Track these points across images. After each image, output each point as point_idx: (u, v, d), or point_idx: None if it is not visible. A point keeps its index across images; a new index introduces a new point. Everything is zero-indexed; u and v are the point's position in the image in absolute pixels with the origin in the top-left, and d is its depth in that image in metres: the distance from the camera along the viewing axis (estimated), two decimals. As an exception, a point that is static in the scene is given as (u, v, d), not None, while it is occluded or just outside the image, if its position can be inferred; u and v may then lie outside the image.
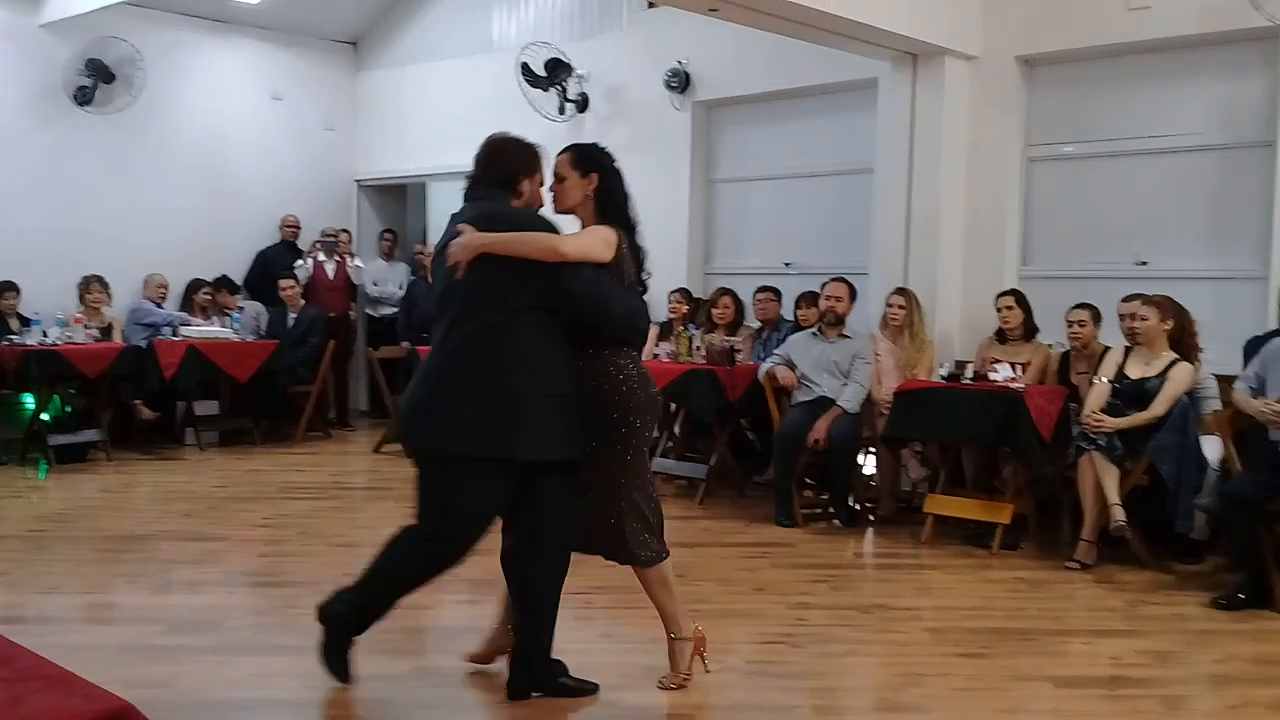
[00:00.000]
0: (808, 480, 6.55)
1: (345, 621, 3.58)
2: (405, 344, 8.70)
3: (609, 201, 3.56)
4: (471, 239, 3.28)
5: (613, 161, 3.63)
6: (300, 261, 9.46)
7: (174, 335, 8.34)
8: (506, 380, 3.30)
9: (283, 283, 9.05)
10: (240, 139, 9.83)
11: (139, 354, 8.05)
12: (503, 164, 3.54)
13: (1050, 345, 6.09)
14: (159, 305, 8.79)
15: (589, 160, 3.61)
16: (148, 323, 8.56)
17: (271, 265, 9.49)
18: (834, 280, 6.39)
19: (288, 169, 10.10)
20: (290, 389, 8.85)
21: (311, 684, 3.62)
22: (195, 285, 9.08)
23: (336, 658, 3.55)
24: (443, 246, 3.39)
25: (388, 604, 3.60)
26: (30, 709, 2.07)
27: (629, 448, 3.49)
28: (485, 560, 5.20)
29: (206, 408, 8.76)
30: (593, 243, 3.40)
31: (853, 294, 6.33)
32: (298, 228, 9.83)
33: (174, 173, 9.38)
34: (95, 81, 8.72)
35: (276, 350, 8.54)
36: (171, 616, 4.33)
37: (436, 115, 9.89)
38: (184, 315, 8.83)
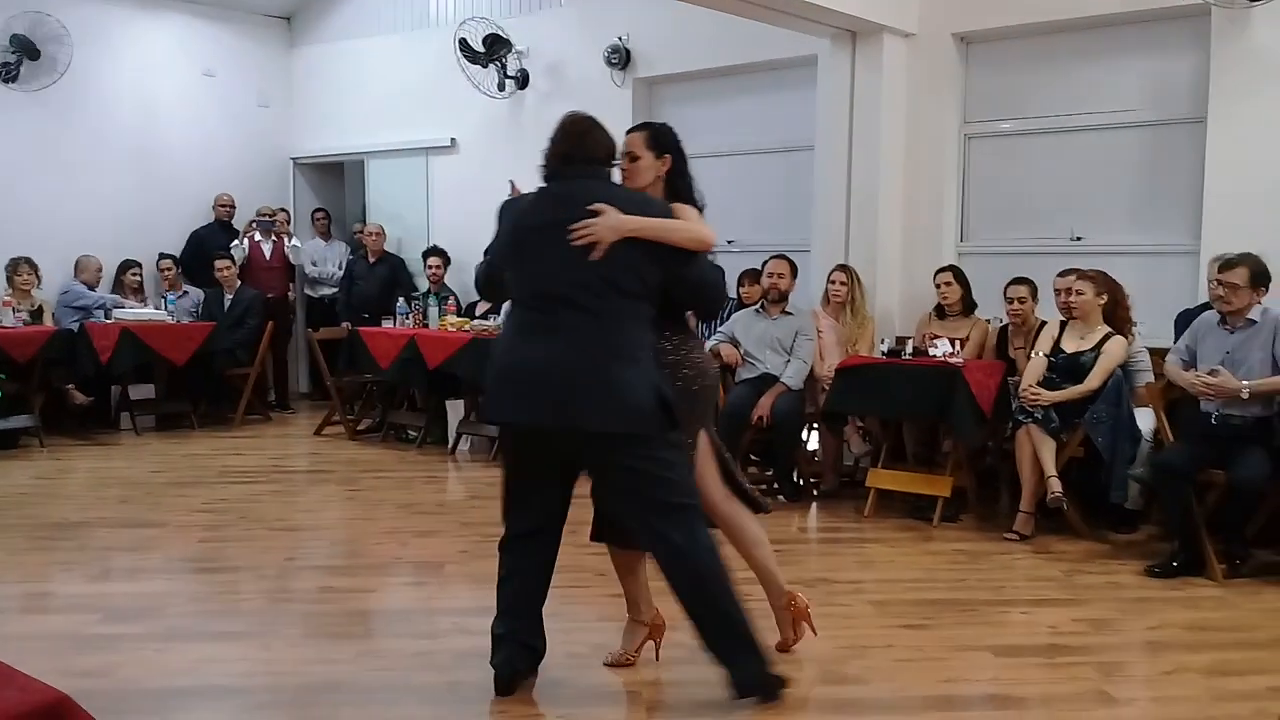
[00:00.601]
0: (752, 456, 6.59)
1: (756, 665, 3.27)
2: (346, 325, 8.60)
3: (681, 183, 3.52)
4: (620, 221, 3.18)
5: (680, 142, 3.58)
6: (236, 242, 9.29)
7: (107, 318, 8.15)
8: (649, 365, 3.24)
9: (219, 263, 8.88)
10: (171, 117, 9.60)
11: (71, 338, 7.87)
12: (600, 142, 3.42)
13: (988, 320, 6.18)
14: (92, 288, 8.59)
15: (663, 141, 3.53)
16: (79, 305, 8.35)
17: (206, 246, 9.30)
18: (775, 258, 6.42)
19: (221, 147, 9.89)
20: (228, 372, 8.71)
21: (253, 670, 3.58)
22: (126, 266, 8.89)
23: (774, 682, 3.29)
24: (570, 220, 3.19)
25: (735, 599, 3.29)
26: (-39, 703, 2.02)
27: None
28: (429, 544, 5.18)
29: (142, 392, 8.58)
30: (707, 228, 3.42)
31: (794, 271, 6.36)
32: (232, 207, 9.64)
33: (103, 151, 9.14)
34: (20, 58, 8.47)
35: (213, 332, 8.38)
36: (110, 605, 4.25)
37: (374, 92, 9.75)
38: (116, 298, 8.64)
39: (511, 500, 3.45)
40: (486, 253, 3.55)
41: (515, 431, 3.37)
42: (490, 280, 3.59)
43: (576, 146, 3.38)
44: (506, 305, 3.65)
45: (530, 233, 3.31)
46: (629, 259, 3.20)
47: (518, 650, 3.39)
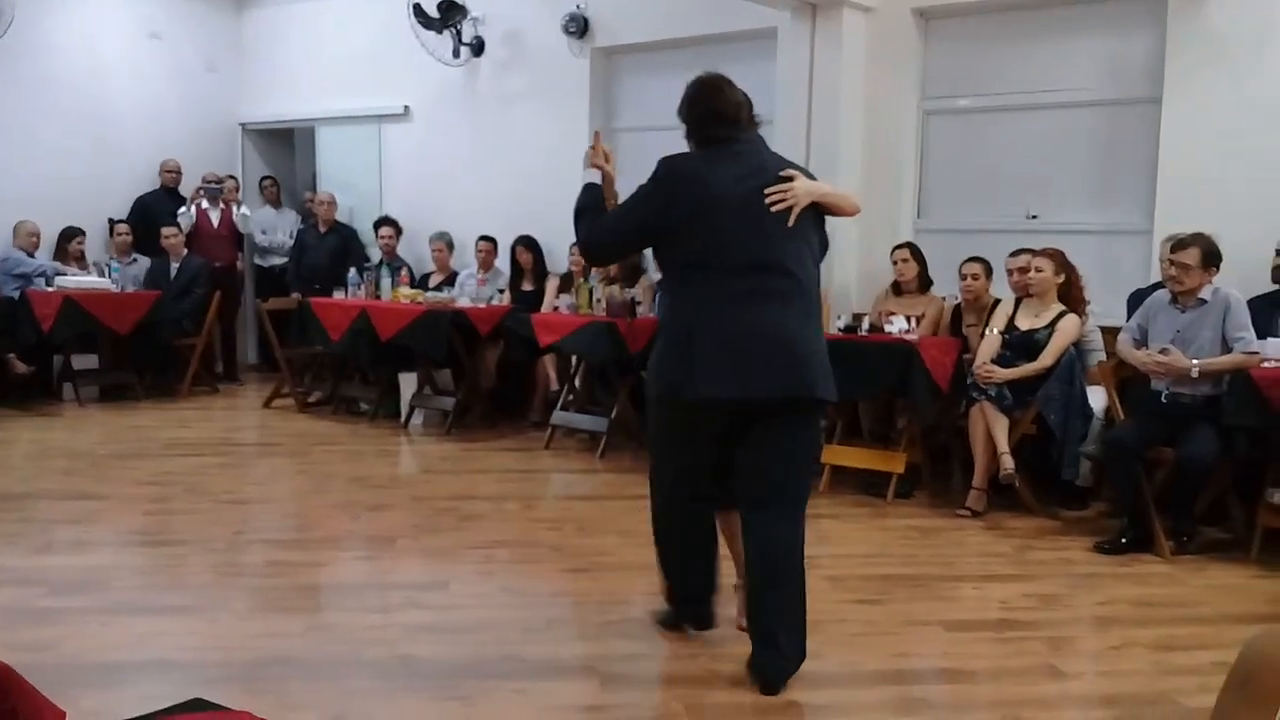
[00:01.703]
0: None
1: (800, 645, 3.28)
2: (296, 295, 8.46)
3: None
4: (812, 187, 3.26)
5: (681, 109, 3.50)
6: (183, 209, 9.09)
7: (48, 286, 7.95)
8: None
9: (165, 231, 8.69)
10: (117, 80, 9.36)
11: (11, 306, 7.67)
12: (744, 102, 3.42)
13: (944, 298, 6.20)
14: (29, 254, 8.36)
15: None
16: (18, 273, 8.13)
17: (152, 212, 9.11)
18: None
19: (167, 112, 9.66)
20: (175, 342, 8.54)
21: (201, 644, 3.52)
22: (71, 234, 8.67)
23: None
24: (762, 185, 3.22)
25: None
26: (-106, 679, 1.96)
27: None
28: (381, 518, 5.12)
29: (85, 361, 8.40)
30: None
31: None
32: (178, 173, 9.43)
33: (45, 114, 8.89)
34: (-43, 15, 8.21)
35: (159, 302, 8.22)
36: (53, 578, 4.15)
37: (325, 57, 9.57)
38: (58, 265, 8.43)
39: (685, 470, 3.42)
40: (581, 213, 3.48)
41: (720, 404, 3.20)
42: (621, 246, 3.60)
43: (731, 105, 3.34)
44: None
45: (730, 194, 3.21)
46: (813, 225, 3.31)
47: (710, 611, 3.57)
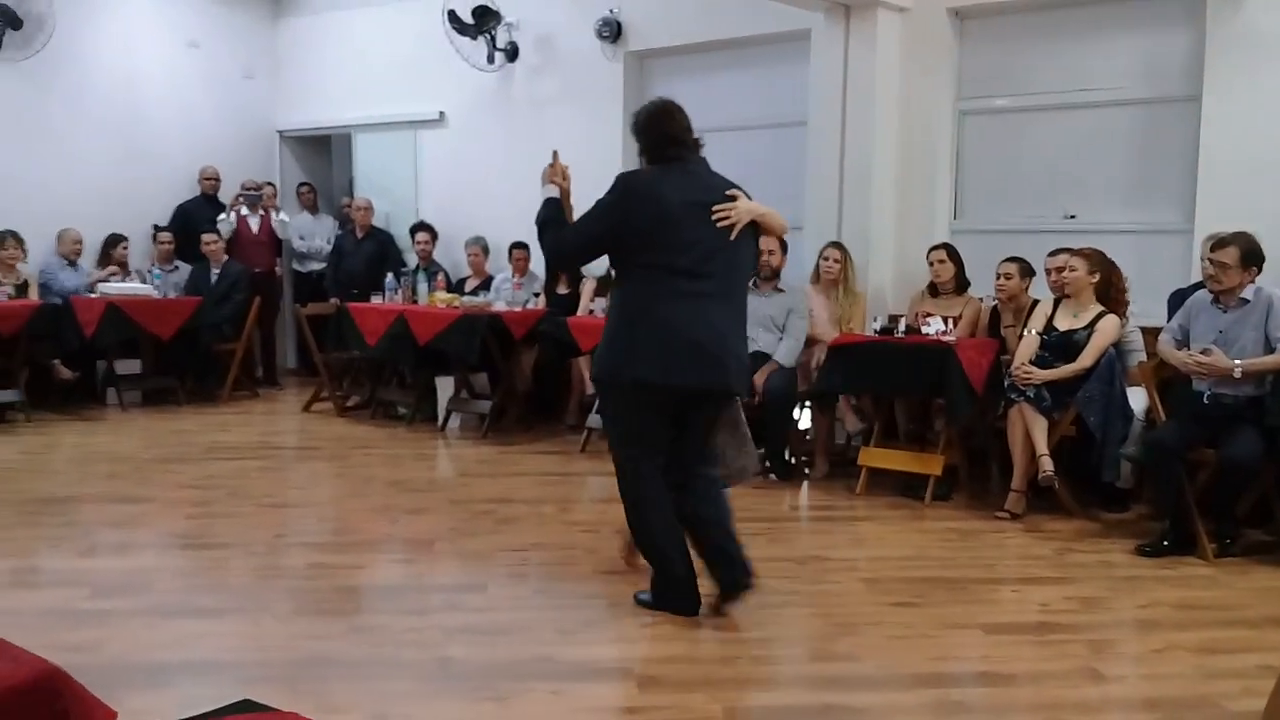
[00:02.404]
0: (742, 434, 6.57)
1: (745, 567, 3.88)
2: (334, 300, 8.54)
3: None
4: (752, 207, 3.76)
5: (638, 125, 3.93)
6: (223, 215, 9.21)
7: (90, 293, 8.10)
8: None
9: (205, 238, 8.81)
10: (156, 88, 9.49)
11: (55, 312, 7.80)
12: (689, 125, 3.83)
13: (981, 299, 6.16)
14: (72, 262, 8.50)
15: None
16: (55, 289, 8.26)
17: (192, 219, 9.23)
18: (765, 234, 6.37)
19: (206, 120, 9.79)
20: (215, 347, 8.65)
21: (243, 645, 3.57)
22: (115, 240, 8.80)
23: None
24: (711, 201, 3.70)
25: None
26: (-50, 677, 2.00)
27: None
28: (419, 522, 5.16)
29: (128, 367, 8.53)
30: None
31: (785, 247, 6.32)
32: (217, 180, 9.55)
33: (87, 123, 9.04)
34: (2, 27, 8.35)
35: (200, 307, 8.32)
36: (98, 580, 4.22)
37: (361, 64, 9.66)
38: (97, 273, 8.56)
39: (638, 451, 3.82)
40: (546, 224, 3.89)
41: (670, 392, 3.68)
42: (583, 254, 4.06)
43: (681, 128, 3.79)
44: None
45: (680, 209, 3.66)
46: (749, 240, 3.81)
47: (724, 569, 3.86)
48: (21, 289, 7.91)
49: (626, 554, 4.32)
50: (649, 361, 3.64)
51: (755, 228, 3.80)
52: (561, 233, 3.87)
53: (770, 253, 6.25)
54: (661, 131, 3.79)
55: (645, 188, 3.73)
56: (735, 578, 3.82)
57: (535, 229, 3.95)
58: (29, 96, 8.67)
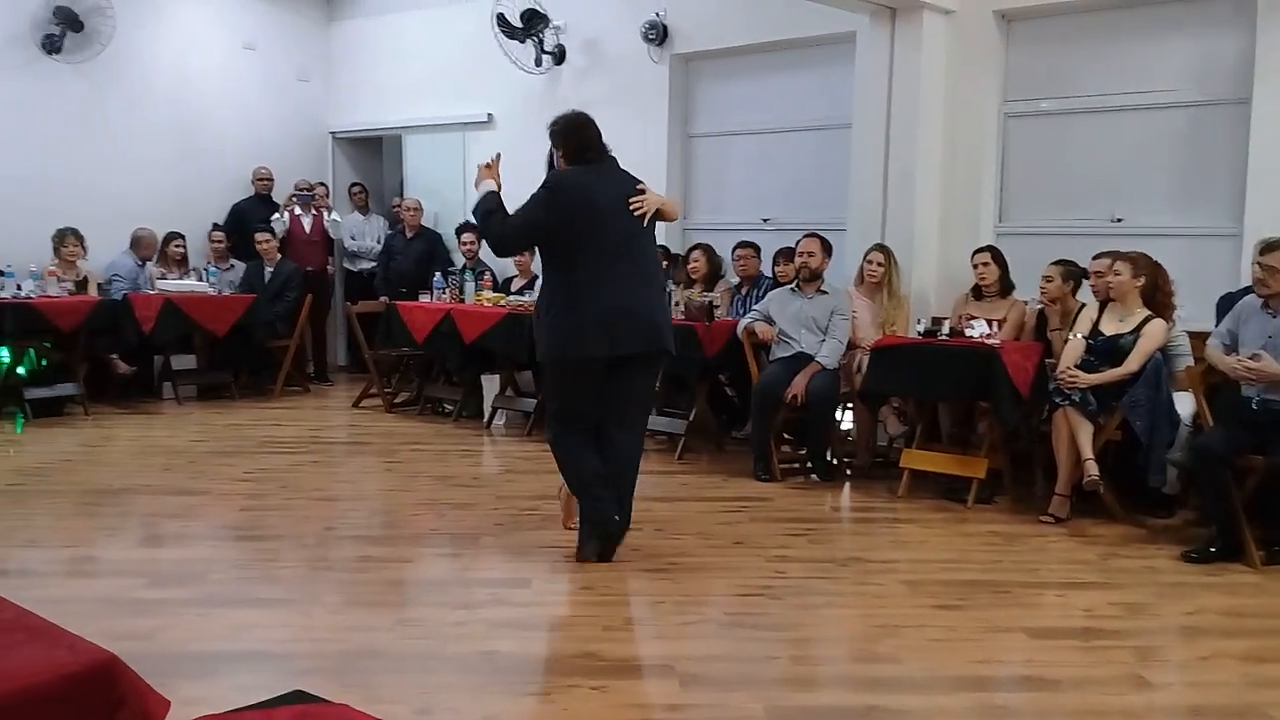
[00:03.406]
0: (785, 435, 6.60)
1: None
2: (383, 299, 8.66)
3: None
4: (659, 198, 4.50)
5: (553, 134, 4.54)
6: (277, 215, 9.38)
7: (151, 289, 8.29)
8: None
9: (259, 236, 8.98)
10: (212, 90, 9.69)
11: (114, 308, 7.98)
12: (601, 137, 4.48)
13: (1026, 301, 6.13)
14: (143, 264, 8.69)
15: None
16: (117, 282, 8.47)
17: (247, 219, 9.40)
18: (807, 236, 6.39)
19: (260, 121, 9.97)
20: (268, 344, 8.81)
21: (294, 636, 3.65)
22: (169, 238, 8.99)
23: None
24: (626, 194, 4.37)
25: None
26: (15, 660, 2.08)
27: None
28: (465, 517, 5.24)
29: (184, 362, 8.72)
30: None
31: (827, 249, 6.33)
32: (271, 181, 9.72)
33: (145, 124, 9.24)
34: (64, 30, 8.56)
35: (253, 305, 8.49)
36: (153, 570, 4.34)
37: (412, 67, 9.78)
38: (160, 270, 8.74)
39: (579, 411, 4.42)
40: (490, 214, 4.44)
41: (607, 359, 4.31)
42: (526, 238, 4.68)
43: (596, 136, 4.45)
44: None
45: (606, 201, 4.33)
46: (653, 225, 4.48)
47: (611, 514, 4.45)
48: (81, 285, 8.11)
49: (566, 518, 4.85)
50: (596, 338, 4.27)
51: (656, 214, 4.46)
52: (506, 220, 4.42)
53: (810, 255, 6.27)
54: (580, 138, 4.44)
55: (575, 184, 4.36)
56: (624, 527, 4.53)
57: (478, 218, 4.55)
58: (89, 98, 8.88)
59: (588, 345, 4.28)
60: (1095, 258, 5.68)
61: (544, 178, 4.45)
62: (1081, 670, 3.45)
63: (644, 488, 6.04)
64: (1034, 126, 6.69)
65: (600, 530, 4.45)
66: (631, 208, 4.36)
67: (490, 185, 4.53)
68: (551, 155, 4.60)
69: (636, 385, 4.49)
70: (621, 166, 4.52)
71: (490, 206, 4.46)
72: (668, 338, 4.45)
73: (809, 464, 6.31)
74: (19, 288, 7.60)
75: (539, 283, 4.73)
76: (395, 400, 8.44)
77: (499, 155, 4.70)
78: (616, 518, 4.48)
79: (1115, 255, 5.47)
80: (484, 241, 4.61)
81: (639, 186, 4.42)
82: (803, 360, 6.13)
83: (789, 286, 6.42)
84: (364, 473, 6.40)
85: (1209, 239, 6.06)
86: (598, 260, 4.28)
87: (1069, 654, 3.60)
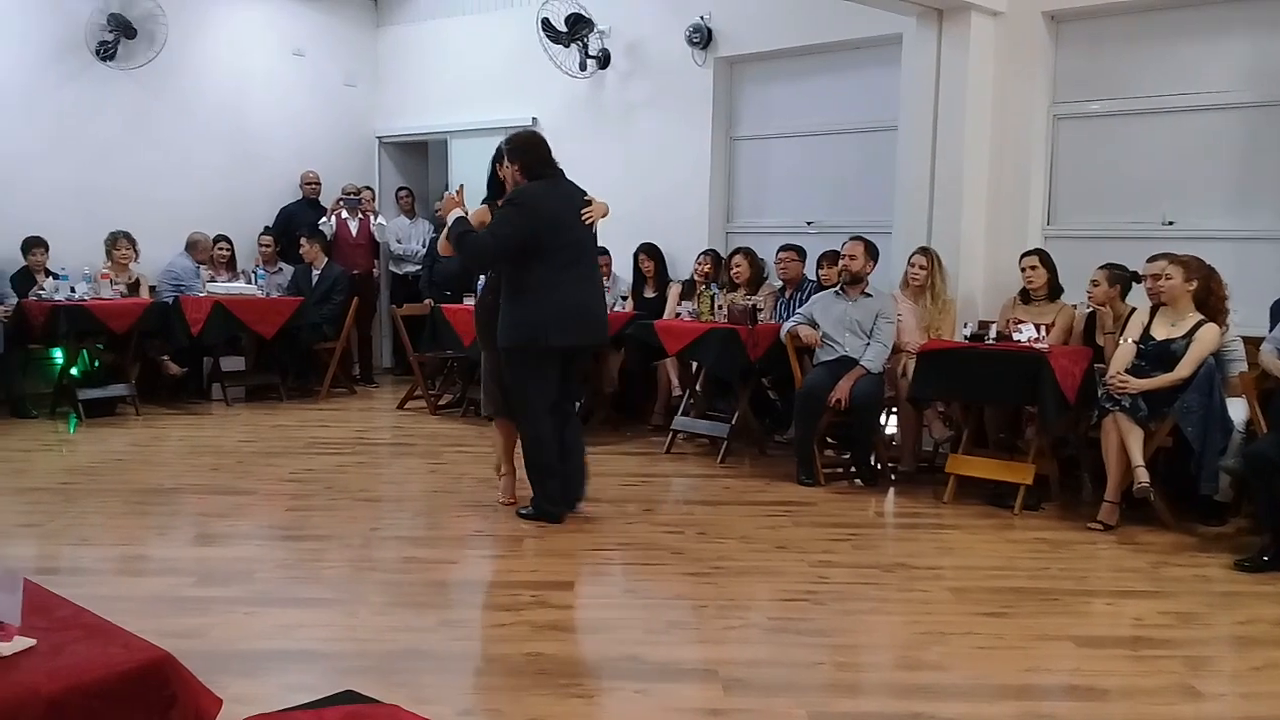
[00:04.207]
0: (829, 439, 6.56)
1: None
2: (428, 301, 8.73)
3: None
4: (604, 207, 5.17)
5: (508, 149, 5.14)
6: (324, 219, 9.48)
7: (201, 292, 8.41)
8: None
9: (302, 241, 9.08)
10: (261, 95, 9.82)
11: (165, 310, 8.11)
12: (552, 153, 5.09)
13: (1075, 306, 6.05)
14: (198, 267, 8.82)
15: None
16: (173, 283, 8.59)
17: (294, 222, 9.52)
18: (851, 239, 6.35)
19: (309, 125, 10.09)
20: (315, 346, 8.91)
21: (339, 636, 3.69)
22: (215, 240, 9.12)
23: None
24: (579, 205, 5.02)
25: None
26: (71, 657, 2.13)
27: None
28: (508, 519, 5.26)
29: (232, 363, 8.84)
30: None
31: (870, 252, 6.27)
32: (318, 184, 9.83)
33: (196, 129, 9.39)
34: (118, 36, 8.71)
35: (301, 307, 8.58)
36: (202, 568, 4.40)
37: (458, 71, 9.85)
38: (210, 273, 8.87)
39: (540, 397, 5.00)
40: (465, 235, 4.94)
41: (566, 350, 4.98)
42: (503, 253, 4.93)
43: (549, 152, 5.06)
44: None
45: (564, 211, 4.97)
46: (595, 231, 5.15)
47: (575, 485, 5.18)
48: (133, 288, 8.26)
49: (506, 496, 5.43)
50: (560, 329, 4.89)
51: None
52: (480, 238, 4.93)
53: (852, 258, 6.23)
54: (537, 155, 5.01)
55: (538, 198, 4.92)
56: (580, 493, 5.21)
57: (453, 240, 5.04)
58: (142, 103, 9.03)
59: (552, 336, 4.88)
60: (1150, 260, 5.59)
61: (508, 194, 5.03)
62: (1130, 680, 3.40)
63: (686, 491, 6.08)
64: (1083, 128, 6.60)
65: (553, 517, 5.09)
66: (583, 217, 5.00)
67: (459, 212, 5.07)
68: (493, 169, 5.20)
69: (576, 371, 5.28)
70: (568, 178, 5.09)
71: (462, 229, 4.97)
72: (606, 330, 5.30)
73: (853, 468, 6.27)
74: (73, 290, 7.74)
75: (484, 279, 5.43)
76: (439, 402, 8.50)
77: (462, 186, 5.32)
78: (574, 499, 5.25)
79: (1167, 259, 5.38)
80: (470, 257, 5.21)
81: (587, 198, 5.06)
82: (847, 364, 6.09)
83: (833, 290, 6.39)
84: (408, 474, 6.45)
85: (1263, 242, 5.95)
86: (559, 265, 4.90)
87: (1118, 663, 3.54)
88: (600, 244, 8.16)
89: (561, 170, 5.07)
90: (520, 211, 4.87)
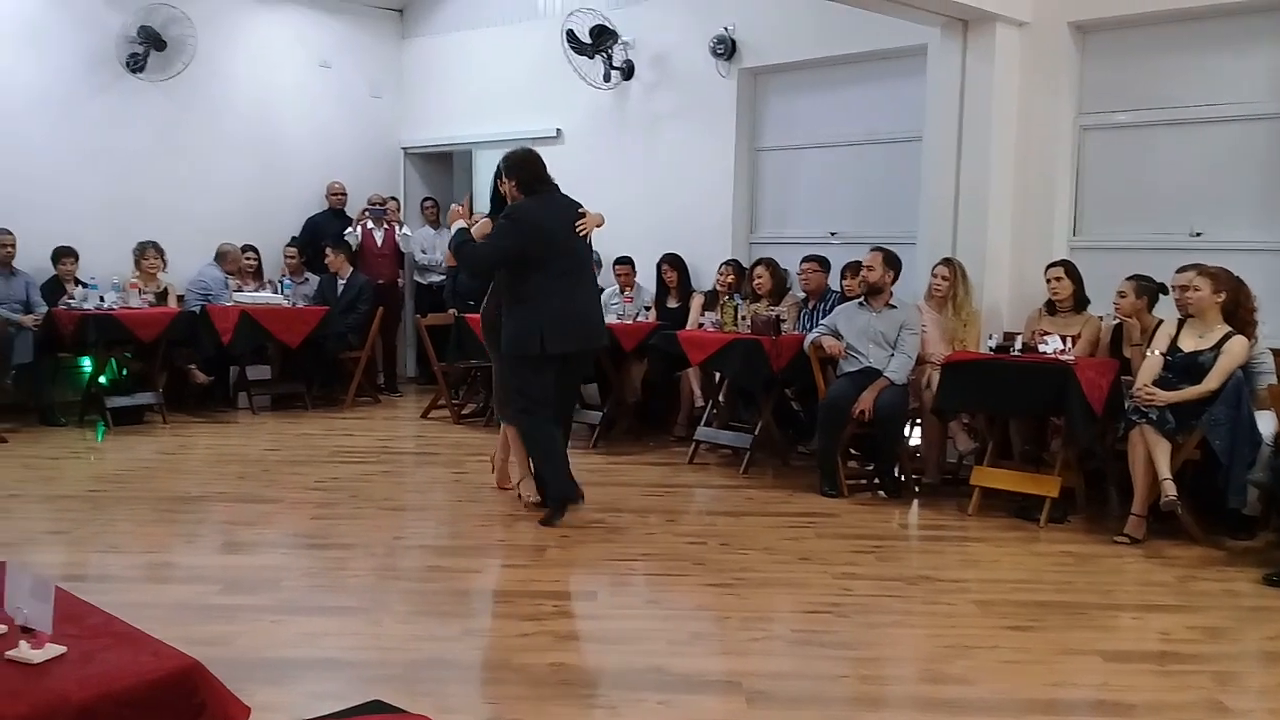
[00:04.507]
0: (852, 451, 6.54)
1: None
2: (452, 311, 8.75)
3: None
4: (597, 219, 5.41)
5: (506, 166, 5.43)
6: (350, 229, 9.54)
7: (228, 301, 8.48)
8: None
9: (328, 251, 9.14)
10: (288, 107, 9.90)
11: (193, 319, 8.19)
12: (546, 170, 5.40)
13: (1101, 317, 6.02)
14: (227, 277, 8.89)
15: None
16: (202, 293, 8.66)
17: (320, 232, 9.58)
18: (872, 250, 6.34)
19: (335, 136, 10.17)
20: (340, 355, 8.97)
21: (364, 644, 3.71)
22: (241, 250, 9.18)
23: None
24: (573, 218, 5.32)
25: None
26: (102, 665, 2.15)
27: None
28: (530, 528, 5.27)
29: (259, 372, 8.91)
30: None
31: (890, 263, 6.23)
32: (344, 195, 9.90)
33: (224, 140, 9.48)
34: (147, 48, 8.81)
35: (326, 317, 8.64)
36: (228, 576, 4.44)
37: (482, 83, 9.90)
38: (236, 282, 8.94)
39: (543, 398, 5.30)
40: (463, 245, 5.30)
41: (564, 355, 5.26)
42: (499, 262, 5.26)
43: (543, 169, 5.36)
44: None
45: (557, 224, 5.25)
46: (589, 240, 5.45)
47: (574, 485, 5.34)
48: (161, 297, 8.33)
49: (501, 480, 5.92)
50: (558, 336, 5.19)
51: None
52: (477, 248, 5.28)
53: (870, 268, 6.21)
54: (532, 172, 5.30)
55: (533, 213, 5.21)
56: (578, 492, 5.39)
57: (453, 249, 5.51)
58: (171, 114, 9.13)
59: (551, 342, 5.18)
60: (1179, 271, 5.55)
61: (505, 209, 5.34)
62: (1158, 695, 3.37)
63: (708, 502, 6.08)
64: (1110, 139, 6.57)
65: (569, 501, 5.33)
66: (577, 229, 5.29)
67: (461, 223, 5.45)
68: (495, 185, 5.48)
69: (575, 377, 5.67)
70: (563, 192, 5.41)
71: (462, 239, 5.34)
72: (604, 334, 5.65)
73: (876, 480, 6.25)
74: (102, 299, 7.82)
75: (491, 287, 5.62)
76: (463, 411, 8.53)
77: (470, 197, 5.85)
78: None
79: (1198, 269, 5.34)
80: (466, 265, 5.63)
81: (580, 210, 5.34)
82: (871, 375, 6.07)
83: (857, 301, 6.38)
84: (432, 483, 6.48)
85: (1293, 254, 5.90)
86: (556, 275, 5.20)
87: (1145, 678, 3.52)
88: (623, 254, 8.39)
89: (556, 185, 5.40)
90: (515, 225, 5.20)
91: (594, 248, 5.76)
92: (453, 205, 5.68)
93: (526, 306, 5.21)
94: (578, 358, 5.46)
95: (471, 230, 5.37)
